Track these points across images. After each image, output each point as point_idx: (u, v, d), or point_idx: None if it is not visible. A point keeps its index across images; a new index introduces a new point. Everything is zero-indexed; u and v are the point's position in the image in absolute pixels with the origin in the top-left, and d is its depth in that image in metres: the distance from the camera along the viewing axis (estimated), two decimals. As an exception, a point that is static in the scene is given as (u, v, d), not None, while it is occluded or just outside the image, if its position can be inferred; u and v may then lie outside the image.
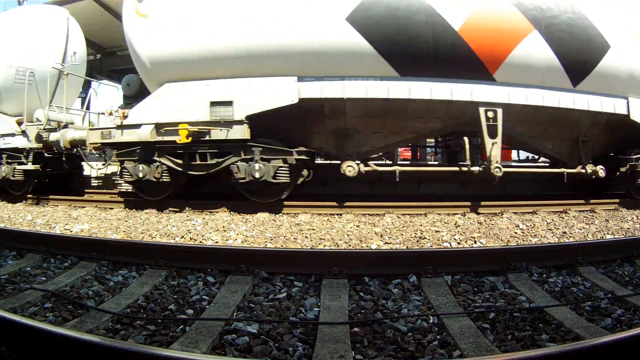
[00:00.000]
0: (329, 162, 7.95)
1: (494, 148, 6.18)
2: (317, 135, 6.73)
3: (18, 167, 8.02)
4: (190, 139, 6.05)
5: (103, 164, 8.50)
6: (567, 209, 6.51)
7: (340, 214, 6.20)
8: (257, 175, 6.08)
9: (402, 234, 5.05)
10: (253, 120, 6.13)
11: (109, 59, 13.38)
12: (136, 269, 3.30)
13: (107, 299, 2.71)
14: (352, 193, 7.41)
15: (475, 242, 4.80)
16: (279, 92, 6.00)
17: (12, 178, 8.10)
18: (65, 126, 7.97)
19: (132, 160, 6.58)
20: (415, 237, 4.96)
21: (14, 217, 6.57)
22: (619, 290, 2.79)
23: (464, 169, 6.58)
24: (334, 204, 6.50)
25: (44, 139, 7.67)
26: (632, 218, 6.10)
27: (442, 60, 5.88)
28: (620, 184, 7.54)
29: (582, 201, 6.89)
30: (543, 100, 6.26)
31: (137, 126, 6.43)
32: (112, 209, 7.03)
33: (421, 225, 5.53)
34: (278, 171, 6.17)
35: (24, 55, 8.21)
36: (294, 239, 4.90)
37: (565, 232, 5.25)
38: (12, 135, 8.20)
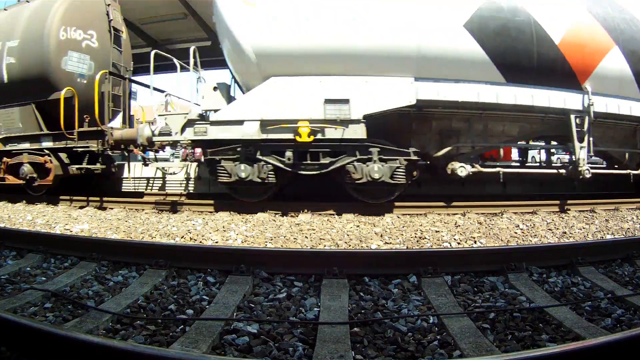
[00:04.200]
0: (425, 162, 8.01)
1: (582, 152, 6.59)
2: (421, 137, 6.74)
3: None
4: (311, 137, 5.91)
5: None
6: (567, 209, 6.52)
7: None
8: (376, 176, 6.00)
9: (402, 234, 5.06)
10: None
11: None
12: (136, 269, 3.30)
13: (107, 299, 2.71)
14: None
15: (475, 242, 4.80)
16: (397, 93, 6.01)
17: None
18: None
19: (230, 159, 6.28)
20: (415, 237, 4.96)
21: (14, 217, 6.57)
22: (619, 290, 2.79)
23: (553, 170, 7.04)
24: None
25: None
26: (632, 218, 6.10)
27: (543, 70, 6.24)
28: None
29: (583, 201, 6.91)
30: (619, 108, 6.74)
31: (239, 122, 6.16)
32: (112, 209, 7.03)
33: (421, 225, 5.54)
34: (396, 172, 6.14)
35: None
36: (294, 239, 4.90)
37: (565, 232, 5.25)
38: None
